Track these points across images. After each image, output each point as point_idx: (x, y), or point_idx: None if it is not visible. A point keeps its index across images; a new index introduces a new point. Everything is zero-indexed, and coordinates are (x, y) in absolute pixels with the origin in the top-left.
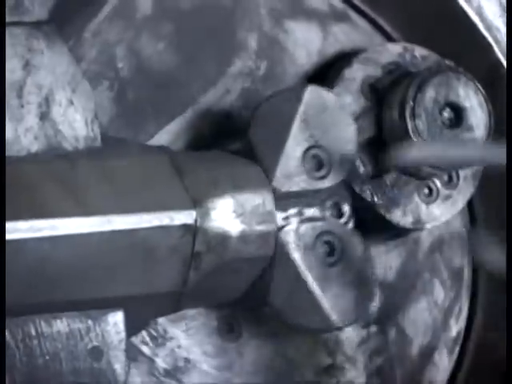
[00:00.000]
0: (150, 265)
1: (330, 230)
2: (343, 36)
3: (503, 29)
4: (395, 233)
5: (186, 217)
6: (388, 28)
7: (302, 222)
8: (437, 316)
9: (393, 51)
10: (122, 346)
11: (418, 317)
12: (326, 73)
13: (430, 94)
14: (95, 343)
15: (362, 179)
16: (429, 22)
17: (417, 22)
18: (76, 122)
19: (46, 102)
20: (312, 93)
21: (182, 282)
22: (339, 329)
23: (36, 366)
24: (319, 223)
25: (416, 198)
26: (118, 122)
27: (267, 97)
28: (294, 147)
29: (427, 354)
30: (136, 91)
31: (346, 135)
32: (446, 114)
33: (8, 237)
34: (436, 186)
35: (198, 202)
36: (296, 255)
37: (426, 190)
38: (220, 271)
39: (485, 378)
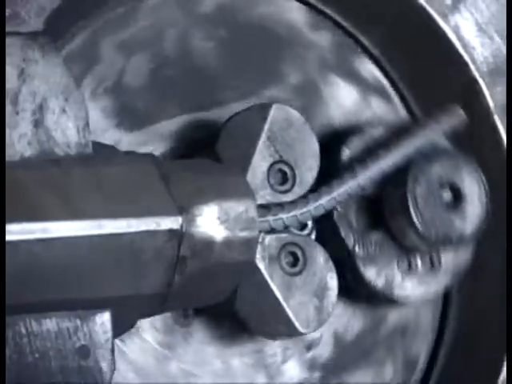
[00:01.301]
0: (137, 268)
1: (294, 241)
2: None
3: (479, 48)
4: (366, 293)
5: (172, 222)
6: (376, 51)
7: (267, 233)
8: None
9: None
10: (109, 345)
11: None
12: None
13: (436, 169)
14: (83, 342)
15: (351, 225)
16: (409, 42)
17: (398, 41)
18: (68, 129)
19: (40, 109)
20: (278, 110)
21: (168, 284)
22: (301, 335)
23: (26, 364)
24: (283, 235)
25: (394, 265)
26: (108, 129)
27: (235, 113)
28: (260, 162)
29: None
30: (126, 100)
31: (310, 151)
32: (446, 193)
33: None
34: (416, 263)
35: (183, 208)
36: (261, 265)
37: (406, 263)
38: (204, 275)
39: (458, 380)
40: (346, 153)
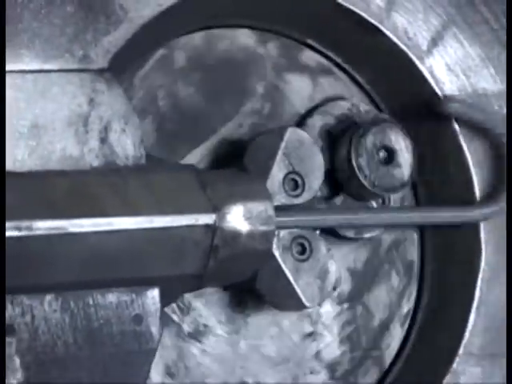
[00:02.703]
0: (180, 254)
1: (302, 234)
2: (328, 86)
3: (448, 84)
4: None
5: (207, 219)
6: (360, 79)
7: (282, 227)
8: (392, 297)
9: (344, 106)
10: (158, 314)
11: (379, 297)
12: (313, 114)
13: (369, 138)
14: (137, 311)
15: (319, 200)
16: (389, 76)
17: (382, 82)
18: (127, 145)
19: (105, 129)
20: (292, 132)
21: (204, 267)
22: (307, 308)
23: (93, 328)
24: (294, 230)
25: None
26: (158, 145)
27: (259, 133)
28: (277, 172)
29: (385, 325)
30: (172, 123)
31: (317, 164)
32: (382, 153)
33: (75, 230)
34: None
35: (217, 207)
36: (276, 253)
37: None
38: (232, 260)
39: (428, 345)
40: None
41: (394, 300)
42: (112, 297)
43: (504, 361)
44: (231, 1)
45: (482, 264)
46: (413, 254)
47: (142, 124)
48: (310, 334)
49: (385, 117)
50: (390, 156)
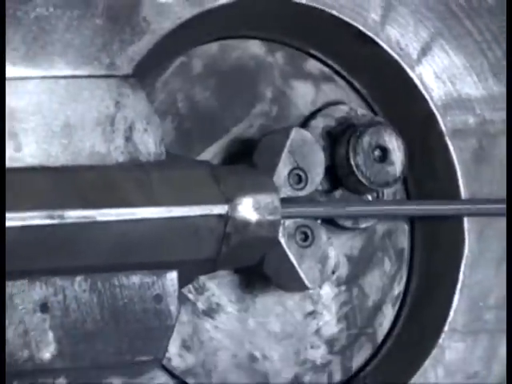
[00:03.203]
0: (196, 240)
1: (305, 224)
2: (329, 91)
3: (436, 90)
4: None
5: (220, 209)
6: (357, 85)
7: (287, 217)
8: (385, 281)
9: (343, 109)
10: (176, 294)
11: (373, 281)
12: (316, 116)
13: (366, 139)
14: (158, 292)
15: (320, 193)
16: (383, 83)
17: (376, 84)
18: (149, 143)
19: (130, 129)
20: (296, 132)
21: (217, 252)
22: (309, 289)
23: (118, 306)
24: (298, 219)
25: None
26: (176, 142)
27: (267, 133)
28: (283, 168)
29: (378, 306)
30: (189, 123)
31: (318, 161)
32: (377, 152)
33: (102, 219)
34: (368, 198)
35: (229, 199)
36: (282, 240)
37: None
38: (243, 246)
39: (417, 323)
40: (316, 129)
41: (386, 283)
42: (135, 278)
43: (485, 336)
44: (243, 16)
45: (466, 251)
46: (403, 242)
47: (162, 124)
48: (311, 313)
49: (380, 119)
50: (384, 154)
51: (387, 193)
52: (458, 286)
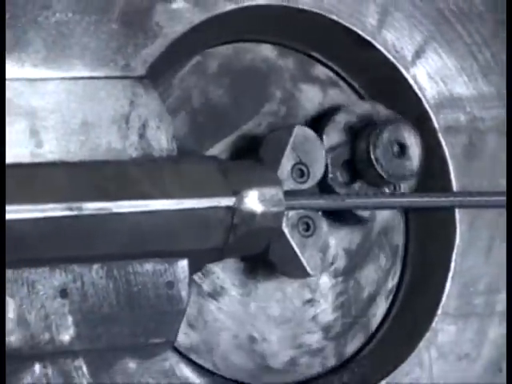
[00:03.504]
0: (205, 230)
1: (307, 215)
2: (334, 95)
3: (429, 89)
4: (356, 220)
5: (228, 201)
6: (356, 85)
7: (290, 209)
8: (380, 275)
9: (364, 106)
10: (186, 280)
11: (368, 274)
12: (322, 117)
13: (385, 135)
14: (170, 278)
15: (339, 184)
16: (380, 83)
17: (374, 84)
18: (161, 140)
19: (143, 126)
20: (299, 129)
21: (225, 242)
22: (311, 276)
23: (132, 292)
24: (300, 210)
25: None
26: (189, 136)
27: (272, 130)
28: (286, 163)
29: (372, 297)
30: (202, 118)
31: (319, 156)
32: (395, 148)
33: (118, 210)
34: (385, 192)
35: (236, 192)
36: (285, 230)
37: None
38: (249, 236)
39: (410, 311)
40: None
41: (380, 277)
42: (148, 266)
43: (475, 319)
44: (249, 21)
45: (457, 240)
46: (399, 239)
47: (177, 118)
48: (309, 301)
49: (398, 117)
50: (402, 150)
51: (403, 187)
52: (450, 274)
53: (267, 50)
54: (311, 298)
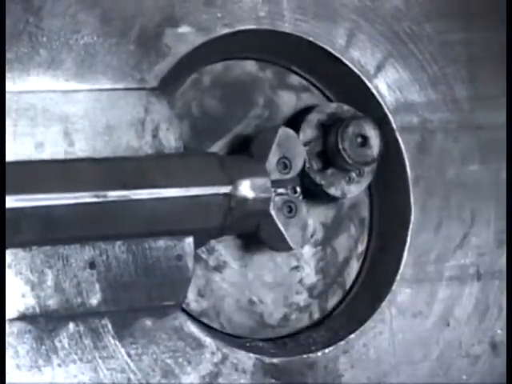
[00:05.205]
0: (207, 213)
1: (290, 199)
2: (307, 98)
3: (388, 97)
4: (330, 199)
5: (226, 189)
6: (328, 94)
7: (276, 195)
8: (351, 242)
9: (333, 106)
10: (192, 254)
11: (342, 242)
12: (298, 117)
13: (351, 129)
14: (179, 252)
15: (315, 172)
16: (348, 92)
17: (343, 93)
18: (171, 139)
19: (156, 129)
20: (282, 130)
21: (223, 222)
22: (293, 249)
23: (148, 264)
24: (284, 196)
25: (342, 182)
26: (191, 139)
27: (261, 131)
28: (273, 157)
29: (346, 261)
30: (201, 124)
31: (299, 152)
32: (359, 139)
33: (136, 197)
34: (352, 176)
35: (232, 181)
36: (272, 212)
37: (347, 178)
38: (243, 217)
39: (376, 274)
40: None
41: (351, 244)
42: (161, 242)
43: (427, 284)
44: (241, 42)
45: (412, 218)
46: (365, 212)
47: (180, 124)
48: (296, 267)
49: (360, 114)
50: (365, 141)
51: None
52: (407, 246)
53: (251, 65)
54: (297, 265)
